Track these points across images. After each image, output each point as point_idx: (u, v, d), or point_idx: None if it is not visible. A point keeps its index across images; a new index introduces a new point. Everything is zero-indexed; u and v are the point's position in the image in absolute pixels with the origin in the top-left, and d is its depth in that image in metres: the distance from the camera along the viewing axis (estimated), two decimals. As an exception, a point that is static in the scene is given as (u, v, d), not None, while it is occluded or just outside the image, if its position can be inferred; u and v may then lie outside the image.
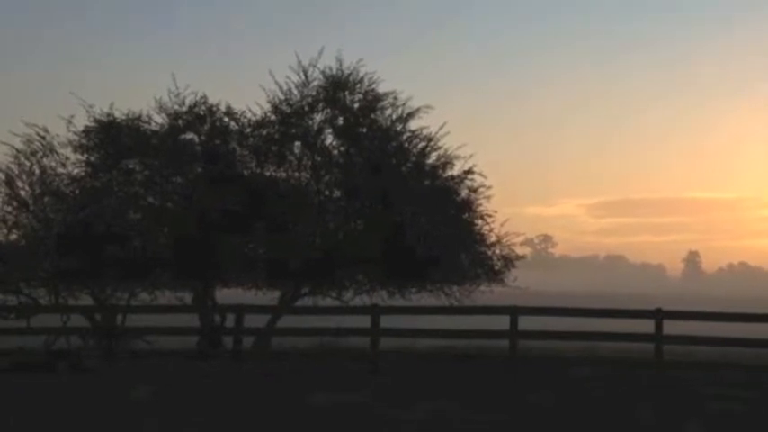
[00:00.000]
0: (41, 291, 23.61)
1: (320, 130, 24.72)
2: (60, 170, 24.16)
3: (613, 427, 16.27)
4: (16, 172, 23.84)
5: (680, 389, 21.23)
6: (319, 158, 24.64)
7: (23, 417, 15.77)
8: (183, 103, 24.39)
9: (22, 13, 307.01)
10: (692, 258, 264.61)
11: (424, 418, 16.39)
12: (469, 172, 25.08)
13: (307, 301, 25.11)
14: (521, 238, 27.43)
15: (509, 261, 25.56)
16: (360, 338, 25.53)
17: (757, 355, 25.37)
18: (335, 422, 15.96)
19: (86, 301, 24.02)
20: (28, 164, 23.90)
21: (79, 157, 24.27)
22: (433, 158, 25.13)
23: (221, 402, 17.80)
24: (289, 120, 24.61)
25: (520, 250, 26.54)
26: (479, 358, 25.35)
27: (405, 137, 25.05)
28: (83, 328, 23.82)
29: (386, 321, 25.07)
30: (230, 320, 24.76)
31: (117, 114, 24.30)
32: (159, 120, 24.59)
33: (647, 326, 24.67)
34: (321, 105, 24.77)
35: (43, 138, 23.95)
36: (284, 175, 24.73)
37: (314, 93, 24.74)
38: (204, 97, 24.59)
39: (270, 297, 25.12)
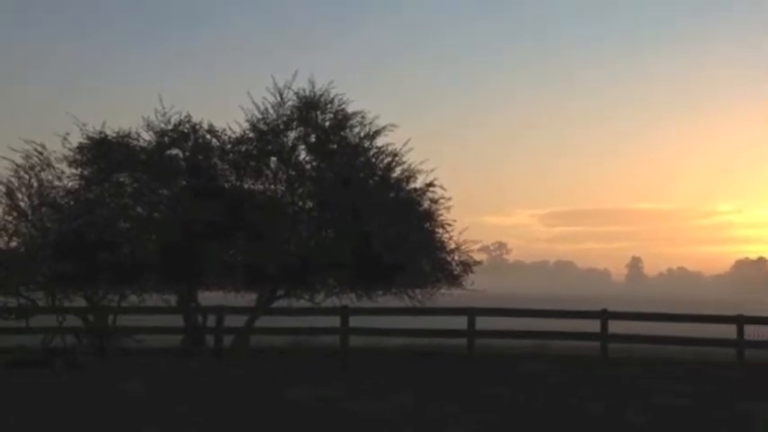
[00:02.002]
0: (39, 293, 23.81)
1: (294, 147, 25.14)
2: (56, 183, 24.46)
3: (564, 417, 16.57)
4: (16, 184, 24.06)
5: (624, 383, 21.55)
6: (293, 172, 25.04)
7: (24, 410, 16.04)
8: (169, 122, 24.74)
9: (22, 40, 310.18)
10: (635, 264, 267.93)
11: (392, 409, 16.70)
12: (431, 185, 25.60)
13: (282, 303, 25.62)
14: (478, 245, 27.83)
15: (467, 266, 26.04)
16: (331, 337, 26.11)
17: (695, 353, 26.14)
18: (312, 414, 16.19)
19: (80, 302, 24.24)
20: (27, 177, 24.11)
21: (74, 171, 24.59)
22: (397, 172, 25.58)
23: (205, 395, 18.07)
24: (265, 137, 24.97)
25: (477, 256, 26.93)
26: (440, 355, 25.81)
27: (372, 153, 25.47)
28: (77, 327, 24.07)
29: (355, 321, 25.97)
30: (212, 321, 25.30)
31: (108, 132, 24.67)
32: (147, 137, 24.95)
33: (593, 325, 25.66)
34: (295, 124, 25.12)
35: (41, 153, 24.20)
36: (261, 187, 25.14)
37: (288, 112, 25.11)
38: (188, 116, 24.96)
39: (248, 299, 25.43)
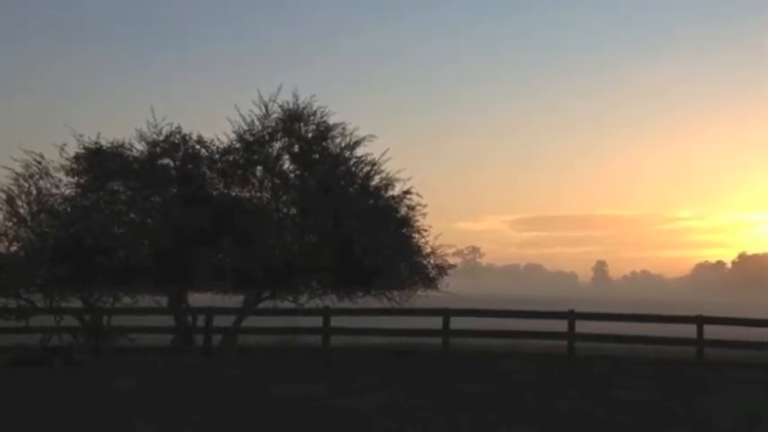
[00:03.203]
0: (38, 295, 23.97)
1: (279, 157, 25.42)
2: (54, 191, 24.74)
3: (533, 411, 16.76)
4: (16, 192, 24.32)
5: (590, 379, 21.79)
6: (278, 181, 25.32)
7: (23, 406, 16.24)
8: (161, 133, 25.04)
9: (22, 55, 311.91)
10: (601, 267, 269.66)
11: (373, 404, 16.89)
12: (408, 192, 25.97)
13: (268, 304, 26.02)
14: (452, 250, 28.24)
15: (442, 269, 26.38)
16: (314, 336, 26.52)
17: (657, 351, 26.36)
18: (298, 410, 16.33)
19: (77, 303, 24.47)
20: (26, 185, 24.38)
21: (71, 179, 24.85)
22: (376, 181, 25.88)
23: (197, 392, 18.23)
24: (251, 147, 25.25)
25: (451, 260, 27.26)
26: (417, 353, 25.97)
27: (352, 162, 25.74)
28: (74, 327, 24.38)
29: (336, 322, 26.30)
30: (201, 321, 25.65)
31: (103, 142, 24.98)
32: (140, 147, 25.24)
33: (561, 325, 26.04)
34: (279, 135, 25.40)
35: (39, 163, 24.46)
36: (248, 195, 25.40)
37: (273, 124, 25.40)
38: (179, 128, 25.29)
39: (235, 300, 25.74)
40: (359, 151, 26.06)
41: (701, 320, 25.73)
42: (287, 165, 25.78)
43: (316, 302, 26.05)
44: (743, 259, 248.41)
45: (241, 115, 25.57)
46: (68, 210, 24.66)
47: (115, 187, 24.93)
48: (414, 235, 26.35)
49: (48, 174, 24.82)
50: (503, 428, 15.11)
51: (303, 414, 16.14)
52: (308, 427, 15.14)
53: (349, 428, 15.08)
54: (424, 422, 15.52)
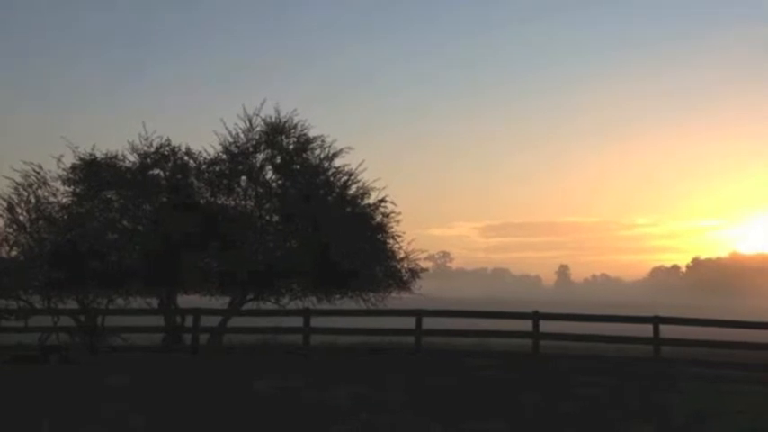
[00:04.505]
0: (36, 297, 24.08)
1: (262, 167, 25.62)
2: (52, 199, 24.82)
3: (499, 406, 17.15)
4: (16, 200, 24.42)
5: (553, 376, 22.27)
6: (261, 190, 25.50)
7: (25, 398, 16.65)
8: (151, 145, 25.27)
9: (22, 72, 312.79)
10: (563, 271, 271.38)
11: (348, 398, 17.29)
12: (383, 201, 26.14)
13: (251, 305, 26.06)
14: (424, 255, 28.27)
15: (415, 273, 26.53)
16: (294, 335, 26.62)
17: (617, 349, 26.71)
18: (277, 401, 16.77)
19: (73, 305, 24.54)
20: (26, 194, 24.47)
21: (67, 188, 24.97)
22: (353, 190, 26.02)
23: (185, 386, 18.56)
24: (236, 158, 25.47)
25: (423, 264, 27.45)
26: (391, 351, 26.29)
27: (330, 172, 25.90)
28: (70, 327, 24.52)
29: (315, 322, 26.28)
30: (189, 321, 25.72)
31: (98, 154, 25.17)
32: (132, 158, 25.43)
33: (526, 325, 25.90)
34: (263, 147, 25.61)
35: (38, 173, 24.58)
36: (233, 203, 25.52)
37: (257, 136, 25.61)
38: (168, 140, 25.53)
39: (221, 302, 25.89)
40: (337, 162, 26.28)
41: (657, 320, 25.72)
42: (269, 175, 25.95)
43: (297, 303, 26.19)
44: (696, 263, 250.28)
45: (227, 129, 25.81)
46: (65, 217, 24.80)
47: (109, 196, 25.12)
48: (388, 240, 26.52)
49: (46, 183, 24.97)
50: (471, 421, 15.55)
51: (283, 405, 16.52)
52: (287, 417, 15.49)
53: (324, 418, 15.42)
54: (395, 413, 15.90)
